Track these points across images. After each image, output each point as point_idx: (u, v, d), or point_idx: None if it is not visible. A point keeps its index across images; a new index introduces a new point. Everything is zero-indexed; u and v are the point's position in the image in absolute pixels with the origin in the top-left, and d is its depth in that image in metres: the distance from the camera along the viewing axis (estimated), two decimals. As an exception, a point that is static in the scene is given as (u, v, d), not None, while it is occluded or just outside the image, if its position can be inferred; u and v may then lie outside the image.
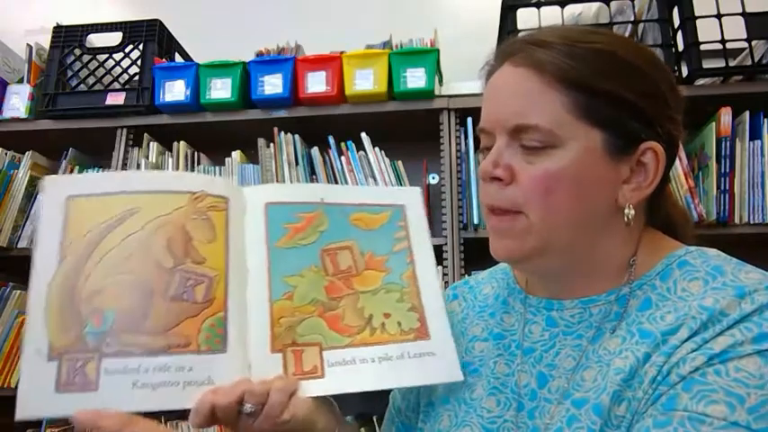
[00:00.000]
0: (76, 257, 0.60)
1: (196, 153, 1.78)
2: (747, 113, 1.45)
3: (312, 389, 0.61)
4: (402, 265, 0.69)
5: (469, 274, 1.56)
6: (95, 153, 1.86)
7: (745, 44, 1.46)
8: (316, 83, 1.64)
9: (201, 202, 0.64)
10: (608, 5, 1.53)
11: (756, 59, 1.45)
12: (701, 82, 1.52)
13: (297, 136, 1.68)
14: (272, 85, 1.66)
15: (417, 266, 0.69)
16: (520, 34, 0.62)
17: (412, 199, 0.74)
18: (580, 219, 0.56)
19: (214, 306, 0.61)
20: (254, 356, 0.61)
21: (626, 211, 0.56)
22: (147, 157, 1.72)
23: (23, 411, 0.55)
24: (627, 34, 1.53)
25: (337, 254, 0.67)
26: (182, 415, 1.59)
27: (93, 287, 0.59)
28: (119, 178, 0.66)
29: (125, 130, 1.73)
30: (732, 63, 1.48)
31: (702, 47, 1.47)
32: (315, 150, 1.68)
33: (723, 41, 1.46)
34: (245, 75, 1.70)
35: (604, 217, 0.57)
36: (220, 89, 1.68)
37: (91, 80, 1.77)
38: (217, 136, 1.79)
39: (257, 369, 0.60)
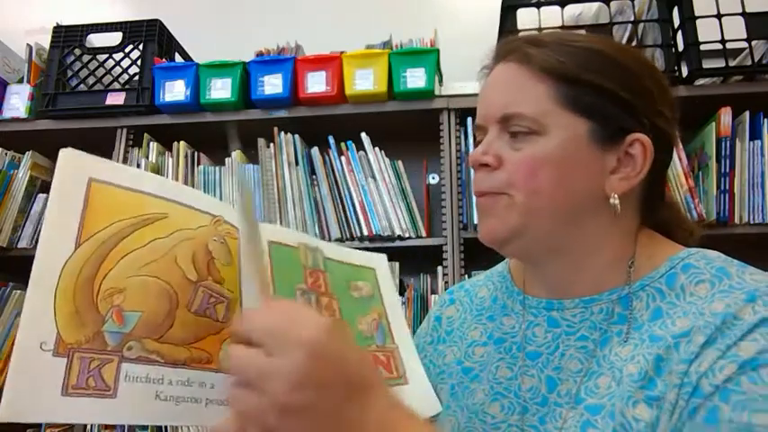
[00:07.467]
0: (97, 247, 0.55)
1: (196, 153, 1.78)
2: (747, 113, 1.45)
3: None
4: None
5: (469, 275, 1.55)
6: (95, 153, 1.82)
7: (745, 44, 1.46)
8: (316, 83, 1.64)
9: (220, 227, 0.63)
10: (608, 5, 1.53)
11: (756, 59, 1.45)
12: (701, 82, 1.51)
13: (297, 136, 1.68)
14: (272, 85, 1.66)
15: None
16: (514, 36, 0.65)
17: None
18: (562, 203, 0.57)
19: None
20: None
21: (611, 200, 0.57)
22: (147, 157, 1.72)
23: (14, 414, 0.44)
24: (627, 34, 1.53)
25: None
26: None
27: (113, 284, 0.54)
28: (147, 178, 0.63)
29: (125, 130, 1.73)
30: (732, 63, 1.48)
31: (702, 47, 1.47)
32: (315, 150, 1.68)
33: (723, 41, 1.46)
34: (245, 75, 1.70)
35: (590, 206, 0.58)
36: (220, 89, 1.68)
37: (91, 80, 1.77)
38: (217, 136, 1.78)
39: None
